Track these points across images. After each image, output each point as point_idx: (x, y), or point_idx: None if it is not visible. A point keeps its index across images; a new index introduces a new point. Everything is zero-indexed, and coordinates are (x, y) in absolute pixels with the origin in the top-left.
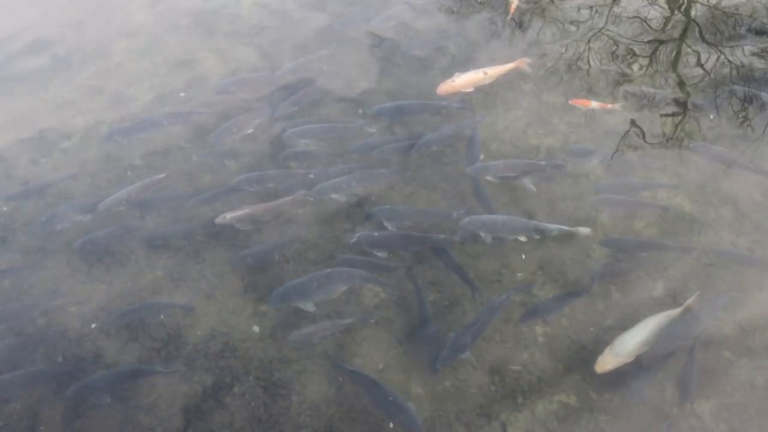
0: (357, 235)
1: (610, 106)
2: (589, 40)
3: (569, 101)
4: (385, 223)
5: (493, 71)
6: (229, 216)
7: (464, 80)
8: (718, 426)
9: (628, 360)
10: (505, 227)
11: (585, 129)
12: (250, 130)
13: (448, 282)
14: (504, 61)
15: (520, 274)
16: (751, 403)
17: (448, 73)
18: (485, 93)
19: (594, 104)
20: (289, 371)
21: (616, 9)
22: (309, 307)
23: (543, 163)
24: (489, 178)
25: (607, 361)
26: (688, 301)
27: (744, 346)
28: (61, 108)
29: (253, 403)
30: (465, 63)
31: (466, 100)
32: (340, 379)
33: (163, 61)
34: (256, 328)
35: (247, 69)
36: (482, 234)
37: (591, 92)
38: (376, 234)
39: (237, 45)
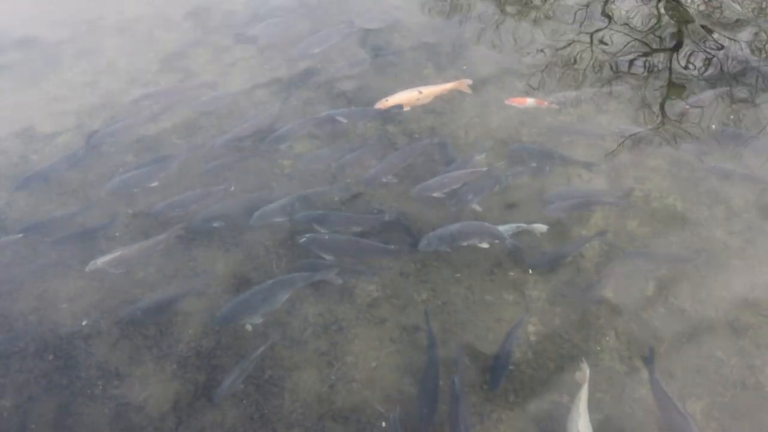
0: (307, 235)
1: (545, 103)
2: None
3: (505, 101)
4: (316, 228)
5: (429, 91)
6: (100, 261)
7: (397, 99)
8: (709, 425)
9: None
10: (459, 235)
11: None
12: (155, 183)
13: (442, 281)
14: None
15: (512, 273)
16: (742, 403)
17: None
18: (478, 91)
19: (530, 102)
20: (281, 369)
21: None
22: (256, 319)
23: (485, 169)
24: (436, 194)
25: None
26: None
27: (736, 346)
28: (51, 104)
29: (244, 402)
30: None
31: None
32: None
33: (156, 57)
34: (248, 327)
35: (240, 67)
36: (441, 247)
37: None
38: (326, 236)
39: (231, 42)
